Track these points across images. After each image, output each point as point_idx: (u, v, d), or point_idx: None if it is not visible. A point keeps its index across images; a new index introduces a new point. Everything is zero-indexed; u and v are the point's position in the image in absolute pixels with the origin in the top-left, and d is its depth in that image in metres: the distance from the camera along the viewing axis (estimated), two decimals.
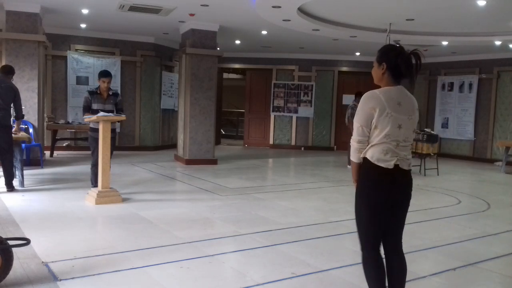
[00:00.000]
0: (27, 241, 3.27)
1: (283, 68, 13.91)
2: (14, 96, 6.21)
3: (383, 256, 2.76)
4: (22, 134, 7.05)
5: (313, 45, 11.81)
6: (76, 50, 11.01)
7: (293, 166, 10.89)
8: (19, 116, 6.36)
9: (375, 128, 2.65)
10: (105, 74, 6.13)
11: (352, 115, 10.08)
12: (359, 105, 2.71)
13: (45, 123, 9.64)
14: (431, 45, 10.87)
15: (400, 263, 2.76)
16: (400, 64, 2.70)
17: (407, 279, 2.74)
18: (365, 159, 2.69)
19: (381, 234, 2.72)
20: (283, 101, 13.94)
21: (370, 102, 2.66)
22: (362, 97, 2.72)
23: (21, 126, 8.06)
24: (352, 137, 2.73)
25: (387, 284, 2.73)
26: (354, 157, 2.73)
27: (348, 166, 10.19)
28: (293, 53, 13.40)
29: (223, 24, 9.45)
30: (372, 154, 2.66)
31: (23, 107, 8.07)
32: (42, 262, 3.51)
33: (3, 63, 8.14)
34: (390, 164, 2.64)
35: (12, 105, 6.28)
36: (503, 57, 11.61)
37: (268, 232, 4.69)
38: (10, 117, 6.28)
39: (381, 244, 2.76)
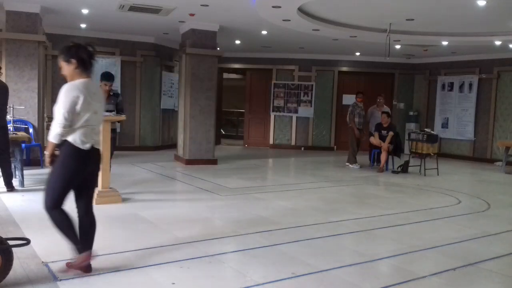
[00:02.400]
0: (27, 241, 3.27)
1: (283, 68, 13.91)
2: (6, 94, 6.15)
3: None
4: (22, 134, 7.06)
5: (313, 45, 11.81)
6: None
7: (293, 166, 10.90)
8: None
9: (77, 114, 3.13)
10: (107, 78, 6.08)
11: (352, 113, 10.15)
12: (63, 95, 3.11)
13: (45, 123, 9.64)
14: (431, 45, 10.87)
15: (90, 221, 3.39)
16: (85, 57, 3.22)
17: (406, 279, 2.80)
18: (67, 141, 3.15)
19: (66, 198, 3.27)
20: (283, 101, 13.94)
21: (74, 91, 3.13)
22: (65, 88, 3.15)
23: (22, 126, 8.10)
24: (55, 122, 3.10)
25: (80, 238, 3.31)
26: (56, 139, 3.12)
27: (347, 164, 10.21)
28: (293, 53, 13.39)
29: (223, 24, 9.45)
30: (74, 138, 3.15)
31: (23, 107, 8.14)
32: (42, 262, 3.52)
33: (3, 63, 8.15)
34: (87, 146, 3.20)
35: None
36: (503, 57, 11.61)
37: (268, 232, 4.69)
38: (6, 116, 6.24)
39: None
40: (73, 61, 3.19)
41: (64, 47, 3.28)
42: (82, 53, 3.20)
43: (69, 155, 3.17)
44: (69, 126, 3.11)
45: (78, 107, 3.11)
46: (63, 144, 3.16)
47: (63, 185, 3.21)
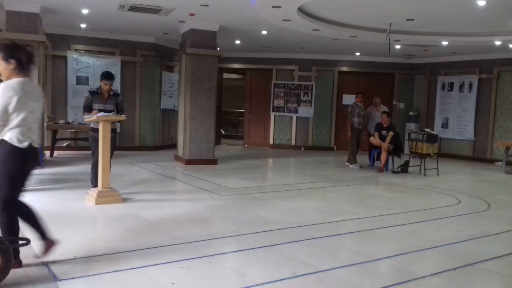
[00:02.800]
0: (27, 241, 3.28)
1: (283, 68, 13.91)
2: None
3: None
4: None
5: (313, 45, 11.81)
6: (76, 50, 11.01)
7: (293, 166, 10.90)
8: None
9: (12, 113, 3.16)
10: (108, 77, 6.08)
11: (351, 112, 10.18)
12: None
13: (45, 123, 9.64)
14: (431, 45, 10.87)
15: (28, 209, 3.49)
16: (25, 59, 3.29)
17: (406, 279, 2.91)
18: (4, 140, 3.21)
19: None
20: (283, 101, 13.94)
21: (8, 92, 3.16)
22: (0, 87, 3.17)
23: None
24: None
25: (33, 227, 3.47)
26: None
27: (347, 164, 10.21)
28: (293, 53, 13.39)
29: (223, 24, 9.45)
30: (11, 137, 3.20)
31: None
32: (42, 262, 3.52)
33: None
34: (25, 145, 3.25)
35: None
36: (503, 57, 11.61)
37: (268, 232, 4.69)
38: None
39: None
40: (12, 61, 3.24)
41: (4, 45, 3.34)
42: (22, 55, 3.27)
43: (8, 154, 3.22)
44: (3, 125, 3.17)
45: (12, 106, 3.14)
46: (1, 143, 3.22)
47: (10, 182, 3.27)
